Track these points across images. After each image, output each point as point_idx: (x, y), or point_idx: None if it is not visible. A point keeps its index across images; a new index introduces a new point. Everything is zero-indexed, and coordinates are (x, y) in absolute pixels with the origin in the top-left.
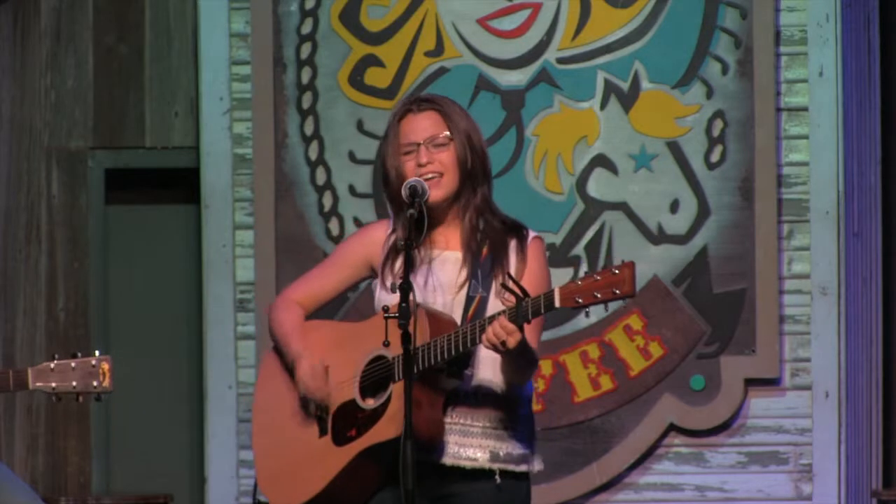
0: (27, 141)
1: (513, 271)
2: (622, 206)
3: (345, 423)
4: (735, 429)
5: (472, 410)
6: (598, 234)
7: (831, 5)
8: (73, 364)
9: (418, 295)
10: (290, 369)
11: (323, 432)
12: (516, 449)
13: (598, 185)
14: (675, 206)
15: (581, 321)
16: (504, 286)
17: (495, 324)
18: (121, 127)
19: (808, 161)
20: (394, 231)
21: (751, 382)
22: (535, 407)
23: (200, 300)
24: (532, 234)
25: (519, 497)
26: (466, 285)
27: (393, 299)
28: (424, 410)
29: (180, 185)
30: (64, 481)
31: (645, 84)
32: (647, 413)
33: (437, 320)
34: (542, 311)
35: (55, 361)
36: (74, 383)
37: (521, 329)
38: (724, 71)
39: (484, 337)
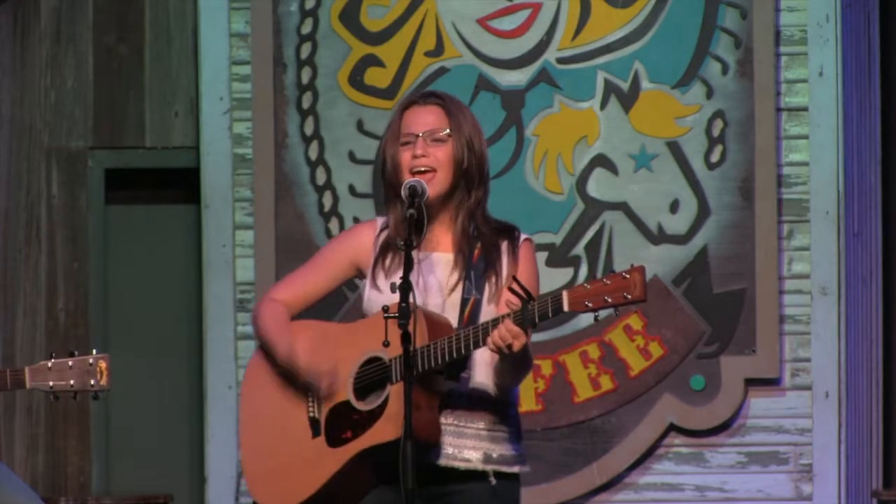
0: (27, 141)
1: (504, 273)
2: (622, 206)
3: (339, 424)
4: (735, 429)
5: (466, 413)
6: (598, 234)
7: (831, 5)
8: (70, 363)
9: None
10: (279, 369)
11: (316, 433)
12: (508, 450)
13: (598, 185)
14: (675, 206)
15: (581, 321)
16: (510, 289)
17: (501, 327)
18: (121, 127)
19: (808, 161)
20: (385, 225)
21: (751, 382)
22: (535, 407)
23: (200, 300)
24: (523, 235)
25: (511, 498)
26: (460, 287)
27: (382, 299)
28: (423, 412)
29: (180, 185)
30: (64, 481)
31: (645, 84)
32: (647, 413)
33: (435, 322)
34: (550, 314)
35: (52, 360)
36: (72, 382)
37: (526, 332)
38: (724, 71)
39: (489, 340)
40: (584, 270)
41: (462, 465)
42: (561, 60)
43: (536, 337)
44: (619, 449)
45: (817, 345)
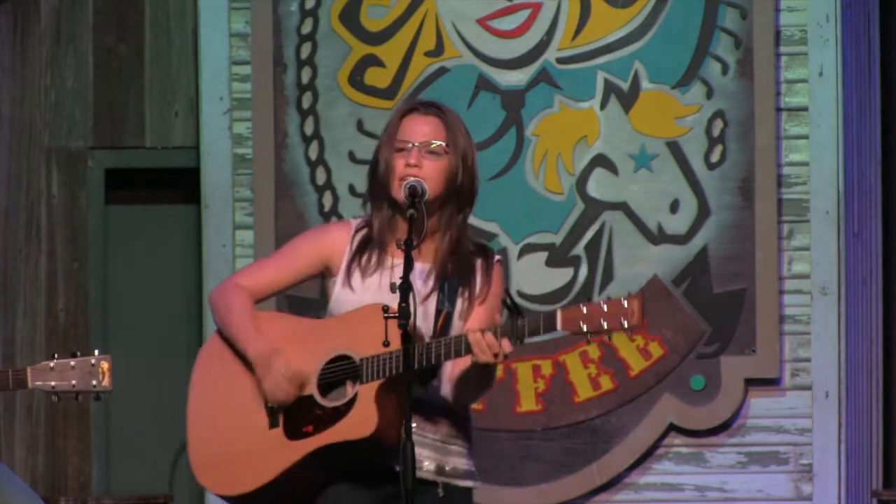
0: (27, 141)
1: (477, 290)
2: (622, 206)
3: (300, 418)
4: (735, 429)
5: (424, 421)
6: (598, 234)
7: (831, 5)
8: (72, 363)
9: (376, 297)
10: (239, 355)
11: (273, 424)
12: (461, 465)
13: (598, 185)
14: (675, 206)
15: None
16: (504, 303)
17: (483, 335)
18: (121, 127)
19: (808, 161)
20: (364, 227)
21: (751, 382)
22: (535, 407)
23: (200, 300)
24: (497, 256)
25: None
26: (434, 297)
27: (352, 299)
28: (390, 415)
29: (180, 185)
30: (64, 481)
31: (645, 84)
32: (647, 413)
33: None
34: (542, 331)
35: (54, 360)
36: (74, 382)
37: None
38: (724, 71)
39: (476, 349)
40: (584, 270)
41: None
42: (561, 60)
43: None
44: (619, 449)
45: (817, 345)
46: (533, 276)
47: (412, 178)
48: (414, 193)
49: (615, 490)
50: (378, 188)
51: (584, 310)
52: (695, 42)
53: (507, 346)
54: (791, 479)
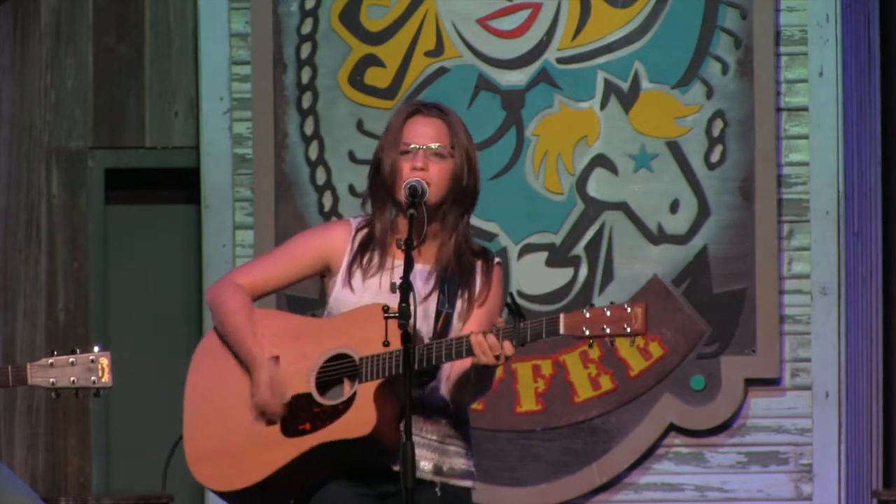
0: (27, 141)
1: (476, 293)
2: (622, 206)
3: (297, 415)
4: (735, 429)
5: (422, 422)
6: (598, 234)
7: (831, 5)
8: (72, 360)
9: (376, 298)
10: (235, 354)
11: (271, 422)
12: (459, 465)
13: (598, 185)
14: (675, 206)
15: None
16: (507, 305)
17: (485, 337)
18: (121, 127)
19: (808, 161)
20: (365, 226)
21: (751, 382)
22: (535, 407)
23: (200, 300)
24: (496, 259)
25: None
26: (434, 298)
27: (352, 299)
28: (388, 415)
29: (180, 185)
30: (64, 481)
31: (645, 84)
32: (647, 413)
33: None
34: (544, 335)
35: (54, 357)
36: (73, 379)
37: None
38: (724, 71)
39: (478, 351)
40: (584, 270)
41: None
42: (561, 60)
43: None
44: (619, 449)
45: (817, 345)
46: (533, 276)
47: (412, 178)
48: (414, 193)
49: (615, 490)
50: (382, 190)
51: (587, 314)
52: (695, 42)
53: (508, 348)
54: (791, 479)
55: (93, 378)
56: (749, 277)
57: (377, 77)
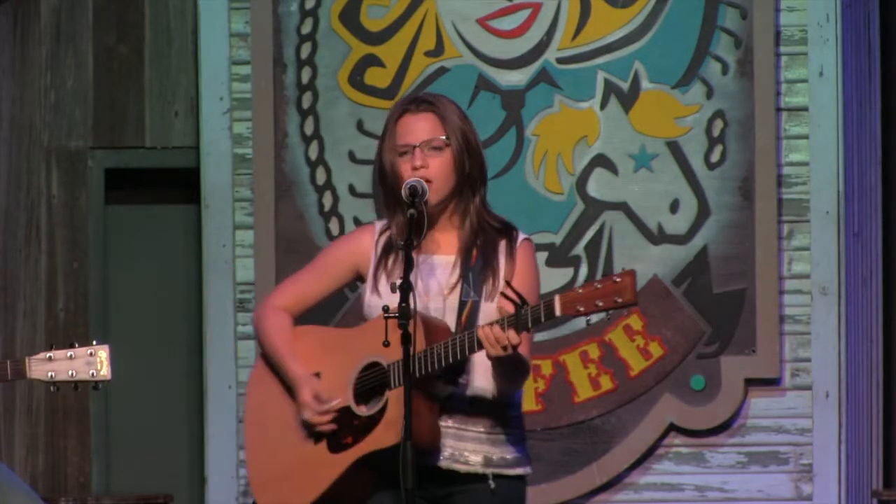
0: (27, 141)
1: (501, 273)
2: (622, 206)
3: (340, 430)
4: (735, 429)
5: (465, 416)
6: (598, 234)
7: (831, 5)
8: (70, 353)
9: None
10: (281, 377)
11: (318, 440)
12: (509, 453)
13: (598, 185)
14: (675, 206)
15: (581, 321)
16: (503, 294)
17: (491, 329)
18: (121, 127)
19: (808, 161)
20: (387, 229)
21: (751, 382)
22: (535, 407)
23: (200, 300)
24: (522, 235)
25: (514, 498)
26: (458, 289)
27: (382, 303)
28: (424, 418)
29: (180, 185)
30: (64, 481)
31: (645, 84)
32: (647, 413)
33: (432, 327)
34: (543, 319)
35: (53, 351)
36: (72, 372)
37: (519, 336)
38: (724, 71)
39: (486, 343)
40: (584, 270)
41: (462, 468)
42: (561, 60)
43: (537, 336)
44: (619, 449)
45: (817, 345)
46: None
47: (412, 179)
48: (414, 193)
49: (615, 490)
50: (390, 194)
51: (580, 291)
52: (695, 42)
53: (513, 336)
54: (791, 479)
55: (91, 371)
56: (749, 277)
57: (377, 77)
